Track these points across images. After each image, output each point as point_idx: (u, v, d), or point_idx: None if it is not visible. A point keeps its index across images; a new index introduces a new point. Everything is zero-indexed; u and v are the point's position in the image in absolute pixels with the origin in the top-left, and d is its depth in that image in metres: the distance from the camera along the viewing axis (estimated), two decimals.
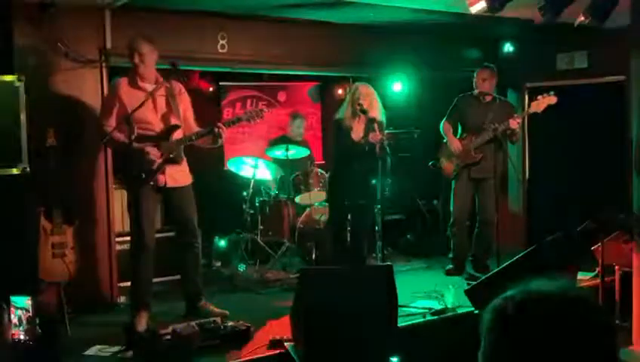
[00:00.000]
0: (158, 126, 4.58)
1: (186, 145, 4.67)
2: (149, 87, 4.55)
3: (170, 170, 4.60)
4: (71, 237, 4.67)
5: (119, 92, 4.52)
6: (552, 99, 5.61)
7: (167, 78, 4.55)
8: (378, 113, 5.31)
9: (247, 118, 4.76)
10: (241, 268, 6.21)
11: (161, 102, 4.62)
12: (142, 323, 4.48)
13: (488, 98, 5.92)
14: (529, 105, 5.88)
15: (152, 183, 4.53)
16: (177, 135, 4.64)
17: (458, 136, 6.02)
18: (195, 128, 4.75)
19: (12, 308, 4.03)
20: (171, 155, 4.57)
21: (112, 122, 4.50)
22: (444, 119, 6.13)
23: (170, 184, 4.62)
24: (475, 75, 6.02)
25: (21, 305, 4.02)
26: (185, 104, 4.77)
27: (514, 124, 5.66)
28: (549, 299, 1.10)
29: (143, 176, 4.47)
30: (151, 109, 4.56)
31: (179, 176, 4.68)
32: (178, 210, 4.71)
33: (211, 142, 4.70)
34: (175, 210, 4.72)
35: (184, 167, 4.73)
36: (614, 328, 1.15)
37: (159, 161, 4.51)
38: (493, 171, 5.79)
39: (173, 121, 4.62)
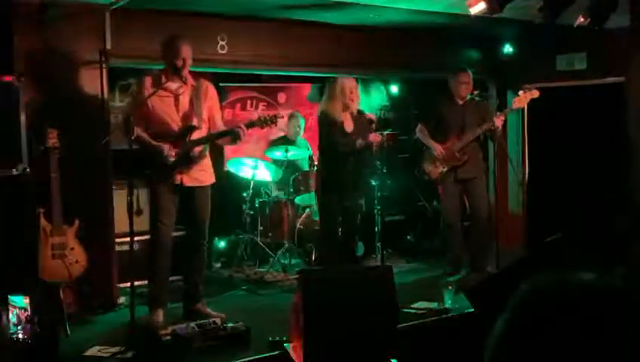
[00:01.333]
0: (177, 125, 4.57)
1: (206, 143, 4.64)
2: (174, 85, 4.54)
3: (190, 169, 4.59)
4: (71, 237, 4.68)
5: (143, 91, 4.52)
6: (534, 93, 5.64)
7: (195, 77, 4.53)
8: (358, 106, 5.40)
9: (261, 124, 4.65)
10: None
11: (185, 101, 4.61)
12: (158, 321, 4.51)
13: (464, 100, 5.94)
14: (512, 102, 5.90)
15: (169, 180, 4.53)
16: (197, 135, 4.61)
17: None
18: (221, 127, 4.74)
19: (11, 308, 4.02)
20: (189, 155, 4.56)
21: (139, 123, 4.47)
22: (419, 123, 6.11)
23: (188, 183, 4.60)
24: (451, 77, 5.98)
25: (20, 304, 4.02)
26: (212, 103, 4.75)
27: (499, 122, 5.69)
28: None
29: (158, 173, 4.47)
30: (172, 109, 4.56)
31: (200, 175, 4.67)
32: (193, 210, 4.68)
33: (229, 142, 4.71)
34: (190, 209, 4.69)
35: (205, 166, 4.71)
36: None
37: (173, 159, 4.51)
38: (480, 170, 5.82)
39: (194, 121, 4.61)
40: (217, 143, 4.77)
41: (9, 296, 4.03)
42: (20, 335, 3.99)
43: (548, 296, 1.02)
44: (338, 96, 5.33)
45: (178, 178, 4.56)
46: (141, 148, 4.50)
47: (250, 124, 4.69)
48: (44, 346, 3.89)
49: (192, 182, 4.62)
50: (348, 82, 5.38)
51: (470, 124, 5.83)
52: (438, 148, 5.91)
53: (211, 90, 4.77)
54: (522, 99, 5.66)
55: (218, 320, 4.31)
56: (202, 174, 4.69)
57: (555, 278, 1.04)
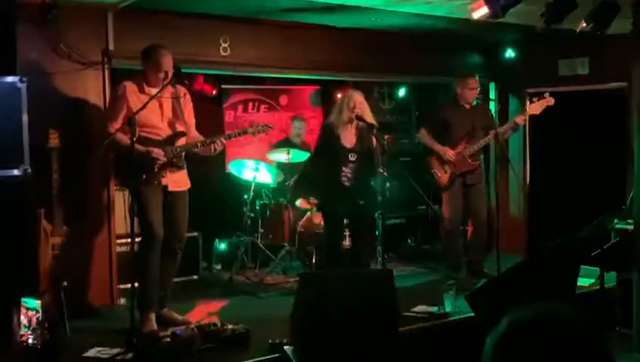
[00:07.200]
0: (164, 131, 4.57)
1: (188, 152, 4.67)
2: (155, 91, 4.54)
3: (172, 173, 4.60)
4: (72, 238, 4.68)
5: (126, 96, 4.50)
6: (549, 101, 5.61)
7: (173, 81, 4.52)
8: (371, 119, 5.27)
9: (252, 132, 4.77)
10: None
11: (168, 106, 4.60)
12: (151, 324, 4.50)
13: (470, 105, 5.94)
14: (527, 109, 5.89)
15: (155, 182, 4.52)
16: (181, 141, 4.63)
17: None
18: (196, 134, 4.75)
19: (23, 310, 4.00)
20: (174, 160, 4.57)
21: (117, 126, 4.46)
22: (422, 127, 6.08)
23: (172, 188, 4.62)
24: (459, 82, 5.96)
25: (32, 306, 4.00)
26: (188, 109, 4.76)
27: (521, 120, 5.72)
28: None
29: (144, 176, 4.46)
30: (157, 114, 4.55)
31: (181, 180, 4.68)
32: (172, 214, 4.67)
33: (210, 152, 4.68)
34: (170, 213, 4.67)
35: (185, 171, 4.73)
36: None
37: (161, 162, 4.50)
38: (483, 176, 5.82)
39: (179, 127, 4.61)
40: (195, 151, 4.74)
41: (21, 298, 4.01)
42: (30, 340, 3.96)
43: (527, 332, 1.04)
44: (345, 110, 5.28)
45: (164, 181, 4.57)
46: (125, 154, 4.43)
47: (242, 132, 4.81)
48: (47, 348, 3.88)
49: (176, 187, 4.63)
50: (356, 96, 5.33)
51: (478, 129, 5.80)
52: (448, 153, 5.88)
53: (188, 98, 4.78)
54: (537, 106, 5.62)
55: (218, 323, 4.30)
56: (184, 179, 4.71)
57: (532, 313, 1.05)
